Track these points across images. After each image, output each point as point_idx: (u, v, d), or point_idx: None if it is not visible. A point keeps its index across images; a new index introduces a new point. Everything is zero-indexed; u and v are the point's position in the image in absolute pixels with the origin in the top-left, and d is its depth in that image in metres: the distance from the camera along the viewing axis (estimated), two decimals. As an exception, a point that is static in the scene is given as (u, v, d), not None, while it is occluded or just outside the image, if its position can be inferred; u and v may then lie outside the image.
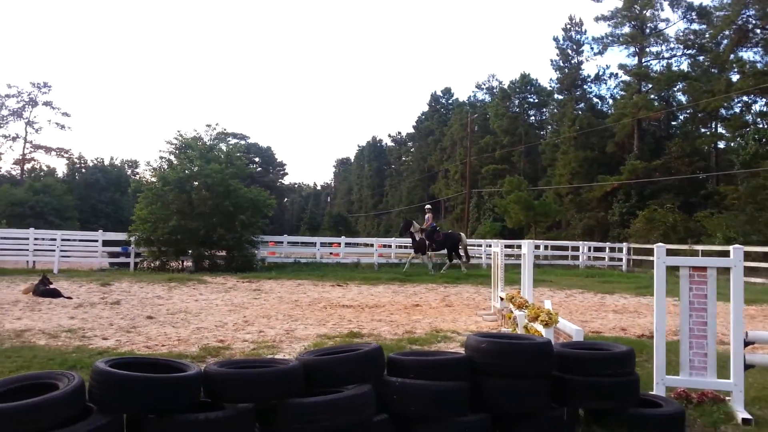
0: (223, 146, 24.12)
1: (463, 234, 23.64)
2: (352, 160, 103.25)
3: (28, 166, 61.26)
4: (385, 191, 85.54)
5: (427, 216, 23.30)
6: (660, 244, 5.54)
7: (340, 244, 26.08)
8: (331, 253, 26.31)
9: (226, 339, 8.56)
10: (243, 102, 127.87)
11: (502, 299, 11.01)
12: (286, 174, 77.85)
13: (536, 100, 61.11)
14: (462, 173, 59.66)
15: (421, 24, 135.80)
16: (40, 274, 13.52)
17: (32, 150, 62.12)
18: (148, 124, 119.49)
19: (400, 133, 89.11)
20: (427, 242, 22.20)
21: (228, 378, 3.76)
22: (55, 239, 21.74)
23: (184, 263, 21.98)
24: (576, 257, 27.29)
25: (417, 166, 77.80)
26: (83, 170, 54.13)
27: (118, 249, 22.41)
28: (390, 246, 26.19)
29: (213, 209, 20.91)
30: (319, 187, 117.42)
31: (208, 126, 22.96)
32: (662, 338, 5.43)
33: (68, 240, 22.52)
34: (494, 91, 69.34)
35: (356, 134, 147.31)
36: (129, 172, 58.87)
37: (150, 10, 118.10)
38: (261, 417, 3.82)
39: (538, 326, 6.38)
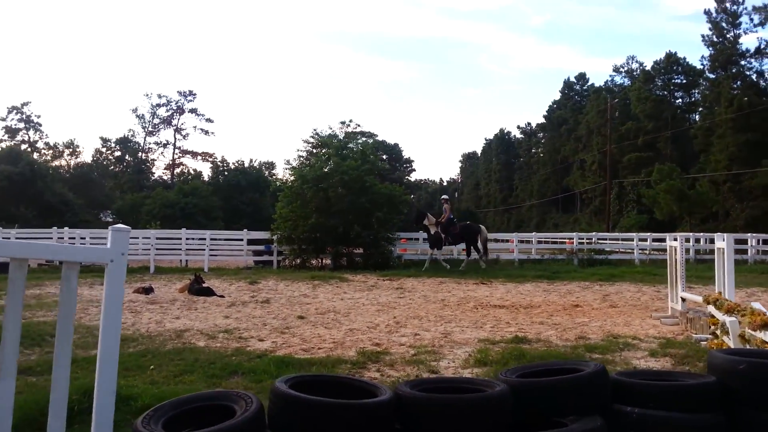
0: (353, 144, 24.05)
1: (483, 227, 21.57)
2: (479, 154, 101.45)
3: (177, 170, 66.07)
4: (514, 185, 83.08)
5: (444, 207, 21.34)
6: None
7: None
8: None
9: (381, 342, 8.02)
10: (370, 99, 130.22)
11: (684, 300, 9.63)
12: (413, 170, 77.63)
13: (684, 81, 56.23)
14: (600, 163, 56.30)
15: (550, 5, 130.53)
16: (194, 273, 13.91)
17: (180, 155, 67.04)
18: (283, 126, 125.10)
19: (529, 124, 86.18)
20: (443, 236, 20.58)
21: (429, 405, 3.07)
22: (204, 239, 22.76)
23: (323, 261, 22.13)
24: (743, 251, 24.33)
25: (549, 157, 74.70)
26: (226, 173, 57.38)
27: (261, 247, 23.05)
28: (530, 241, 24.82)
29: (350, 206, 20.83)
30: (445, 183, 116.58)
31: (342, 123, 23.06)
32: None
33: (216, 239, 23.49)
34: (635, 73, 64.79)
35: (483, 127, 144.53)
36: (266, 173, 61.61)
37: (277, 15, 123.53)
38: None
39: (770, 338, 5.15)
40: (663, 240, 25.07)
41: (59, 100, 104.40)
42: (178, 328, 8.98)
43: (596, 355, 7.09)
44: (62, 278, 3.04)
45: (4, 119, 65.50)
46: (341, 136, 23.33)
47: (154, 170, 68.41)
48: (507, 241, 30.73)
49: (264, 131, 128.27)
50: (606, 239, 26.24)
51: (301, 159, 22.95)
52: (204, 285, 13.39)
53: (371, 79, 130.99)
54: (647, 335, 8.48)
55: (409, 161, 77.57)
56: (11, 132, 65.84)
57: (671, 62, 56.61)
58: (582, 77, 76.59)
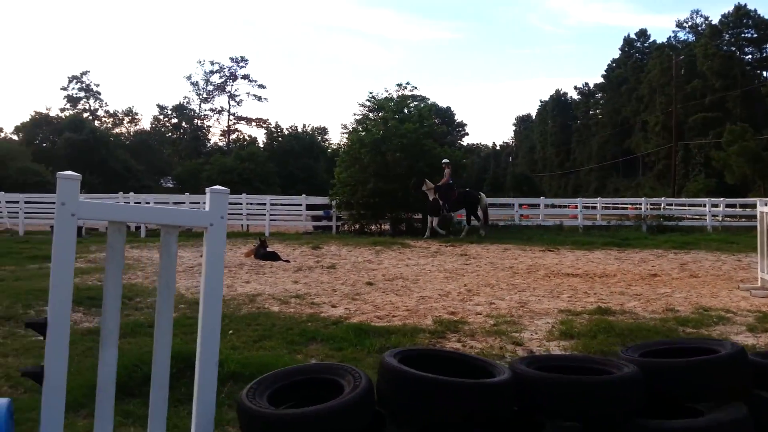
0: (411, 107, 23.52)
1: (482, 194, 20.20)
2: (534, 117, 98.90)
3: (232, 136, 66.98)
4: (571, 148, 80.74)
5: (445, 171, 19.88)
6: None
7: (539, 205, 24.45)
8: (521, 216, 24.82)
9: (456, 311, 7.79)
10: (419, 62, 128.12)
11: (778, 271, 9.01)
12: (467, 134, 76.29)
13: (755, 36, 52.90)
14: (664, 124, 53.98)
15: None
16: (258, 238, 13.95)
17: (235, 121, 67.82)
18: (334, 90, 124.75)
19: (587, 84, 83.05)
20: (441, 203, 19.51)
21: (555, 386, 2.79)
22: (264, 204, 22.93)
23: (382, 226, 22.01)
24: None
25: (608, 119, 72.05)
26: (280, 138, 57.80)
27: (320, 213, 23.07)
28: (595, 207, 24.01)
29: (408, 170, 20.51)
30: (498, 147, 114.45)
31: (399, 86, 22.52)
32: None
33: (275, 204, 23.63)
34: (700, 29, 61.38)
35: (537, 89, 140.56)
36: (319, 138, 61.79)
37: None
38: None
39: None
40: (735, 206, 23.91)
41: (117, 68, 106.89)
42: (249, 293, 8.97)
43: (689, 329, 6.68)
44: (162, 243, 2.88)
45: (65, 88, 67.49)
46: (397, 98, 22.69)
47: (210, 137, 69.59)
48: (567, 206, 29.95)
49: (315, 96, 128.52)
50: (675, 205, 25.16)
51: (358, 123, 22.49)
52: (269, 250, 13.43)
53: (418, 41, 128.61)
54: (739, 308, 7.96)
55: (462, 125, 76.23)
56: (73, 101, 67.80)
57: (740, 15, 53.24)
58: (643, 34, 73.10)
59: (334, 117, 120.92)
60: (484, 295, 9.01)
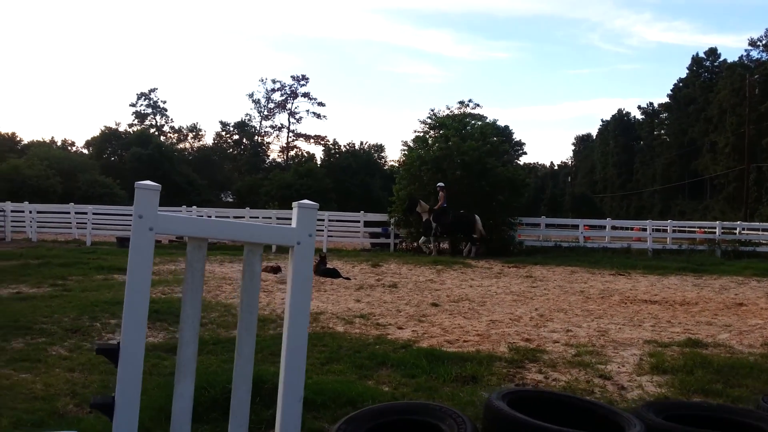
0: (472, 125, 23.10)
1: (477, 217, 19.39)
2: (595, 137, 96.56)
3: (291, 153, 67.97)
4: (634, 169, 78.21)
5: (440, 195, 19.65)
6: None
7: (604, 226, 23.49)
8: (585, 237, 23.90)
9: (531, 337, 7.32)
10: (476, 81, 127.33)
11: None
12: (525, 153, 74.92)
13: (837, 53, 50.08)
14: (735, 145, 51.64)
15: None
16: (319, 254, 13.75)
17: (294, 138, 68.83)
18: (390, 108, 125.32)
19: (651, 104, 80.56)
20: (434, 224, 19.16)
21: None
22: (323, 219, 22.85)
23: (440, 245, 21.58)
24: None
25: (674, 139, 69.50)
26: (337, 155, 58.22)
27: (378, 229, 22.83)
28: (665, 230, 22.92)
29: (469, 189, 20.07)
30: (556, 167, 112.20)
31: (461, 103, 22.17)
32: None
33: (334, 220, 23.53)
34: (775, 47, 58.64)
35: (597, 109, 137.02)
36: (376, 155, 61.95)
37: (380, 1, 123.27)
38: None
39: None
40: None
41: (183, 86, 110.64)
42: (312, 311, 8.71)
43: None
44: (245, 262, 2.62)
45: (134, 105, 70.07)
46: (459, 116, 22.32)
47: (269, 153, 70.80)
48: (631, 228, 28.79)
49: (373, 114, 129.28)
50: (748, 229, 23.75)
51: (418, 140, 22.24)
52: (329, 266, 13.22)
53: (476, 61, 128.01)
54: None
55: (520, 144, 74.98)
56: (140, 117, 70.32)
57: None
58: (713, 53, 70.46)
59: (391, 134, 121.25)
60: (558, 321, 8.50)
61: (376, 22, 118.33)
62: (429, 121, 22.06)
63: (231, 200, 58.87)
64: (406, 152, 22.46)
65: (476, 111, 22.32)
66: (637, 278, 14.35)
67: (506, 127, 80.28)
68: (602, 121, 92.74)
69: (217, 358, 5.80)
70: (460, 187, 19.92)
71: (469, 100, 21.93)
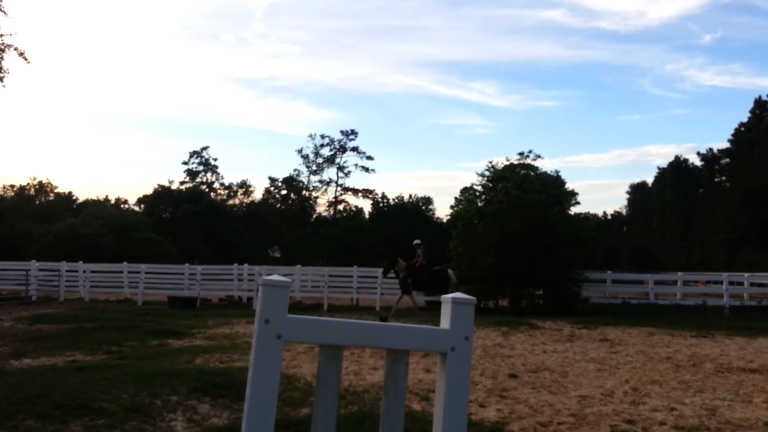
0: (532, 176, 22.39)
1: (451, 271, 19.39)
2: (650, 185, 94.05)
3: (339, 207, 68.28)
4: (695, 217, 75.30)
5: (418, 252, 19.86)
6: None
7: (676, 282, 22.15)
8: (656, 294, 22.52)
9: (633, 419, 6.48)
10: (527, 130, 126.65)
11: None
12: (578, 203, 73.24)
13: None
14: (802, 193, 49.06)
15: (721, 22, 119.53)
16: (378, 315, 13.12)
17: (342, 192, 69.24)
18: (437, 160, 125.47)
19: (710, 149, 78.07)
20: (409, 281, 19.08)
21: None
22: (375, 276, 22.29)
23: (500, 302, 20.69)
24: None
25: (737, 186, 66.65)
26: (385, 209, 58.12)
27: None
28: (742, 284, 21.46)
29: (531, 243, 19.24)
30: (609, 216, 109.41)
31: (521, 155, 21.54)
32: None
33: (390, 278, 22.83)
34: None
35: (652, 155, 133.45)
36: (424, 208, 61.58)
37: (425, 54, 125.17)
38: None
39: None
40: None
41: (233, 143, 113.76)
42: (379, 383, 8.04)
43: None
44: (387, 373, 2.10)
45: (186, 163, 72.05)
46: (518, 167, 21.75)
47: (316, 207, 71.34)
48: (696, 283, 27.15)
49: (419, 165, 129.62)
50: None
51: (475, 193, 21.68)
52: (391, 329, 12.54)
53: (525, 110, 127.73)
54: None
55: (573, 194, 73.23)
56: (192, 174, 72.16)
57: None
58: (777, 95, 68.15)
59: (438, 186, 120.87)
60: (656, 397, 7.60)
61: (422, 75, 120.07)
62: (486, 173, 21.48)
63: (278, 256, 59.05)
64: (463, 206, 21.86)
65: (536, 162, 21.53)
66: (724, 341, 13.15)
67: (558, 175, 79.04)
68: (658, 168, 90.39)
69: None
70: (521, 240, 19.12)
71: (530, 151, 21.22)
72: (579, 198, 22.03)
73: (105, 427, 5.62)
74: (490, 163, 21.80)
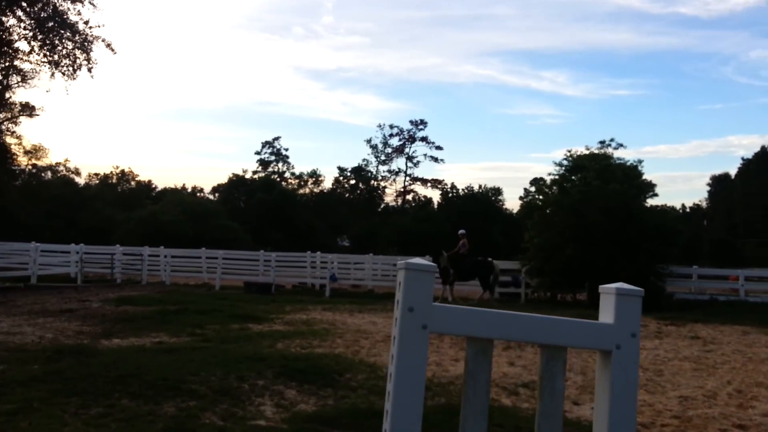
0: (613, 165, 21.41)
1: (495, 262, 19.26)
2: (734, 177, 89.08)
3: (407, 197, 68.15)
4: (783, 211, 70.82)
5: (461, 242, 19.56)
6: None
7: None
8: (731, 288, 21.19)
9: (744, 423, 6.01)
10: (601, 119, 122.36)
11: None
12: (656, 195, 70.28)
13: None
14: None
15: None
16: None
17: (410, 182, 69.04)
18: (507, 150, 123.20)
19: (799, 140, 73.22)
20: (451, 270, 18.71)
21: None
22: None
23: (577, 296, 20.01)
24: None
25: (830, 179, 62.35)
26: (455, 199, 57.51)
27: (507, 278, 21.59)
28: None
29: (612, 236, 18.45)
30: (688, 209, 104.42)
31: (602, 143, 20.67)
32: None
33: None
34: None
35: (734, 146, 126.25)
36: (493, 199, 60.52)
37: (495, 46, 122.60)
38: None
39: None
40: None
41: (304, 134, 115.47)
42: (461, 374, 7.81)
43: None
44: (542, 373, 1.88)
45: (258, 152, 73.63)
46: (593, 155, 20.87)
47: (384, 197, 71.42)
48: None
49: (488, 156, 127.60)
50: None
51: (553, 184, 20.99)
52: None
53: (598, 99, 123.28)
54: None
55: (651, 185, 70.33)
56: (264, 164, 73.65)
57: None
58: None
59: (508, 177, 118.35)
60: (764, 400, 7.04)
61: (492, 65, 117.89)
62: (565, 162, 20.73)
63: (347, 245, 59.52)
64: (533, 197, 21.23)
65: (617, 152, 20.59)
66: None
67: (635, 166, 76.05)
68: (742, 159, 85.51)
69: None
70: (601, 233, 18.36)
71: (611, 140, 20.32)
72: (657, 189, 20.82)
73: (197, 408, 5.65)
74: (569, 152, 21.06)
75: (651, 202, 21.30)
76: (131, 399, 5.84)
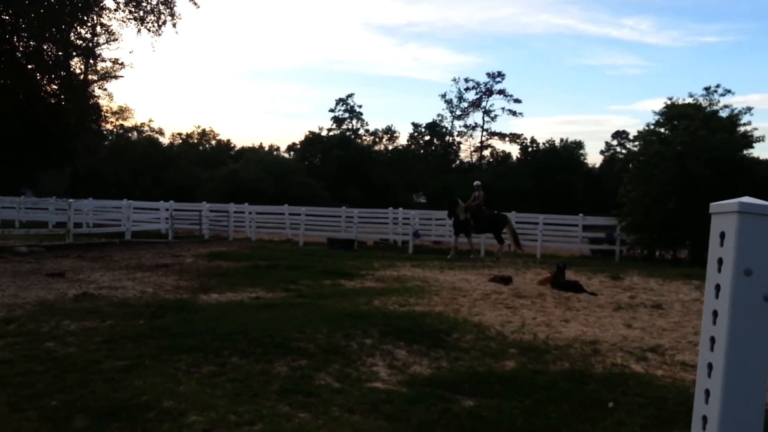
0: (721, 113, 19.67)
1: (510, 216, 19.70)
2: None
3: (485, 152, 66.66)
4: None
5: (476, 194, 19.13)
6: None
7: None
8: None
9: None
10: (687, 67, 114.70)
11: None
12: (752, 147, 65.63)
13: None
14: None
15: None
16: (557, 264, 12.18)
17: (488, 137, 67.31)
18: (590, 102, 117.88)
19: None
20: (471, 222, 18.71)
21: None
22: (536, 222, 21.21)
23: (677, 254, 18.83)
24: None
25: None
26: (535, 154, 55.72)
27: (601, 235, 20.60)
28: None
29: (719, 189, 17.05)
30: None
31: (707, 90, 18.99)
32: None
33: (549, 224, 21.68)
34: None
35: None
36: (575, 154, 58.24)
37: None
38: None
39: None
40: None
41: (377, 90, 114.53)
42: (581, 338, 7.26)
43: None
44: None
45: (332, 110, 73.60)
46: (697, 104, 19.24)
47: (460, 153, 70.07)
48: None
49: (567, 109, 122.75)
50: None
51: (652, 133, 19.59)
52: (569, 279, 11.63)
53: (684, 47, 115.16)
54: None
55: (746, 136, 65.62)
56: (338, 121, 73.60)
57: None
58: None
59: (589, 130, 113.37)
60: None
61: (569, 13, 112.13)
62: (665, 111, 19.25)
63: (423, 201, 59.02)
64: (638, 148, 19.90)
65: (725, 99, 18.88)
66: None
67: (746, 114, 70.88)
68: None
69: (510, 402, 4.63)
70: (707, 186, 17.01)
71: (717, 86, 18.63)
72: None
73: (309, 368, 5.41)
74: (670, 99, 19.52)
75: (755, 153, 19.57)
76: (241, 357, 5.67)
